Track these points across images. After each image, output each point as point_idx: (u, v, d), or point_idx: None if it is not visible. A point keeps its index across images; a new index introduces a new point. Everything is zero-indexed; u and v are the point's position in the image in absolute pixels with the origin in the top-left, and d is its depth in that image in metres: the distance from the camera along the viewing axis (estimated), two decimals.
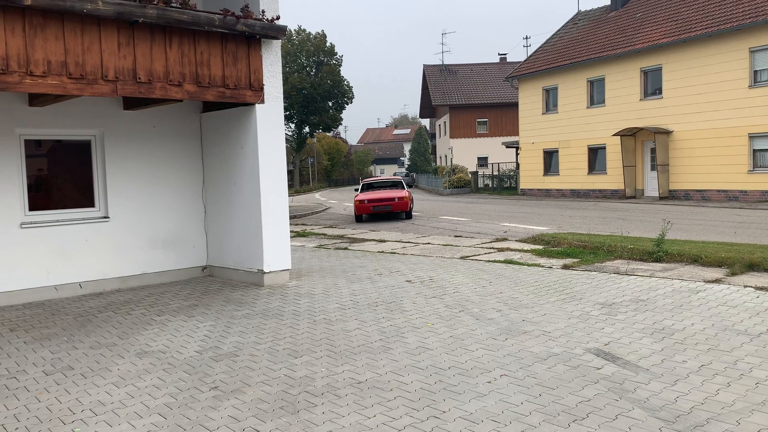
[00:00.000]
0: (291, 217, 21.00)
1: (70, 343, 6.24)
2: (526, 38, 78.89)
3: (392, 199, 21.41)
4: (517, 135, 35.77)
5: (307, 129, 58.66)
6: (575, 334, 5.87)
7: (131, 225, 9.30)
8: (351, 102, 57.42)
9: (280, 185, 8.96)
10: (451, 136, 53.05)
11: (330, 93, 55.55)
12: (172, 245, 9.71)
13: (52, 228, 8.64)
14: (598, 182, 29.47)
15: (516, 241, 13.19)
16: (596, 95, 29.68)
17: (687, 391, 4.35)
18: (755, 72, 22.69)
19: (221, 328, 6.64)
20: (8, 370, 5.47)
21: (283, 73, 9.38)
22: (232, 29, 7.98)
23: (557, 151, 31.81)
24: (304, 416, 4.20)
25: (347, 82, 56.29)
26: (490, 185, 41.51)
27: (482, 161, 51.19)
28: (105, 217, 9.13)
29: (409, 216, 21.86)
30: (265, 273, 8.87)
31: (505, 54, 60.06)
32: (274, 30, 8.45)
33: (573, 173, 30.80)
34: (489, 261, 10.48)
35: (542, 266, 9.76)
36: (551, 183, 32.23)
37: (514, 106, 39.07)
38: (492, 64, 58.46)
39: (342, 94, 56.15)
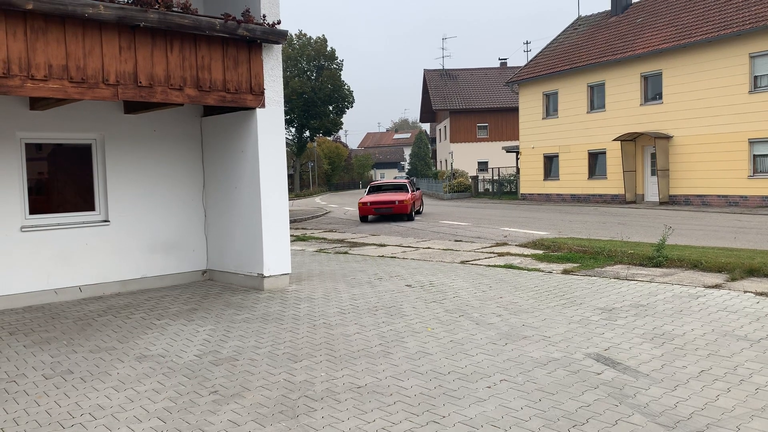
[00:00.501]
0: (291, 221, 21.02)
1: (69, 347, 6.23)
2: (527, 43, 79.29)
3: (393, 201, 22.52)
4: (518, 140, 35.81)
5: (307, 133, 58.71)
6: (575, 339, 5.86)
7: (131, 229, 9.30)
8: (351, 106, 57.50)
9: (280, 189, 8.97)
10: (452, 141, 53.10)
11: (330, 97, 55.62)
12: (172, 249, 9.71)
13: (52, 231, 8.64)
14: (598, 187, 29.49)
15: (516, 245, 13.19)
16: (596, 100, 29.72)
17: (687, 397, 4.35)
18: (755, 77, 22.73)
19: (221, 332, 6.64)
20: (8, 373, 5.46)
21: (283, 77, 9.39)
22: (233, 34, 8.00)
23: (557, 156, 31.83)
24: (303, 421, 4.19)
25: (348, 86, 56.37)
26: (491, 190, 41.52)
27: (482, 166, 51.22)
28: (105, 221, 9.14)
29: (410, 218, 22.70)
30: (265, 277, 8.87)
31: (505, 59, 60.23)
32: (274, 34, 8.47)
33: (573, 178, 30.82)
34: (489, 266, 10.48)
35: (542, 271, 9.76)
36: (551, 188, 32.24)
37: (515, 110, 39.13)
38: (492, 68, 58.57)
39: (342, 99, 56.22)
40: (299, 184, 62.82)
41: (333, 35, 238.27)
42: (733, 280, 8.43)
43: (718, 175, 23.88)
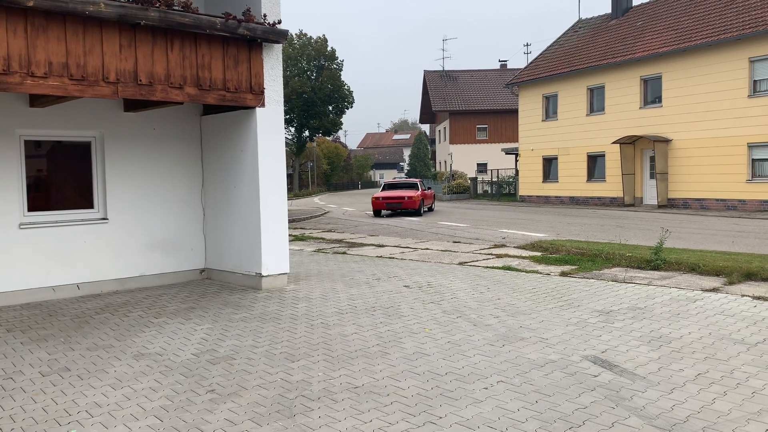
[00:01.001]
0: (290, 221, 21.02)
1: (67, 345, 6.23)
2: (527, 45, 79.14)
3: (403, 198, 25.09)
4: (517, 142, 35.83)
5: (306, 133, 58.71)
6: (572, 341, 5.87)
7: (130, 227, 9.30)
8: (351, 106, 57.49)
9: (279, 189, 8.97)
10: (451, 142, 53.13)
11: (330, 97, 55.62)
12: (171, 248, 9.71)
13: (50, 229, 8.64)
14: (597, 190, 29.52)
15: (514, 247, 13.20)
16: (596, 103, 29.75)
17: (683, 400, 4.36)
18: (754, 82, 22.76)
19: (218, 331, 6.64)
20: (4, 370, 5.46)
21: (283, 77, 9.39)
22: (234, 33, 8.00)
23: (556, 158, 31.85)
24: (300, 420, 4.20)
25: (348, 86, 56.38)
26: (489, 191, 41.54)
27: (481, 167, 51.25)
28: (104, 219, 9.13)
29: (419, 214, 25.21)
30: (263, 276, 8.87)
31: (505, 61, 60.23)
32: (275, 34, 8.48)
33: (572, 180, 30.84)
34: (487, 267, 10.49)
35: (540, 273, 9.77)
36: (550, 190, 32.26)
37: (514, 112, 39.14)
38: (492, 70, 58.59)
39: (342, 99, 56.22)
40: (298, 184, 62.81)
41: (333, 35, 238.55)
42: (731, 283, 8.44)
43: (717, 179, 23.92)
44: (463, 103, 53.75)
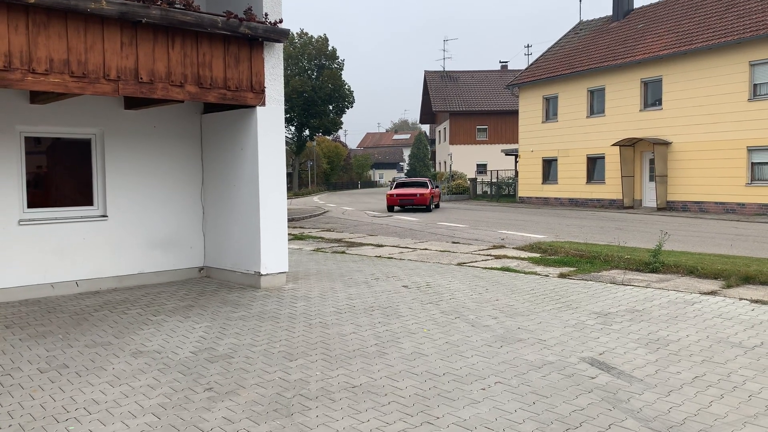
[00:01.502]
0: (289, 220, 21.01)
1: (65, 342, 6.23)
2: (528, 46, 79.28)
3: (415, 194, 27.97)
4: (517, 143, 35.85)
5: (307, 132, 58.71)
6: (570, 342, 5.88)
7: (129, 224, 9.30)
8: (351, 106, 57.52)
9: (279, 188, 8.97)
10: (451, 143, 53.13)
11: (331, 97, 55.63)
12: (170, 245, 9.71)
13: (50, 225, 8.64)
14: (596, 192, 29.53)
15: (513, 248, 13.21)
16: (596, 105, 29.77)
17: (680, 402, 4.37)
18: (755, 85, 22.78)
19: (217, 329, 6.64)
20: (2, 367, 5.47)
21: (284, 76, 9.39)
22: (235, 31, 8.01)
23: (556, 160, 31.87)
24: (298, 419, 4.20)
25: (348, 86, 56.38)
26: (489, 192, 41.54)
27: (481, 168, 51.26)
28: (103, 216, 9.14)
29: (429, 209, 28.04)
30: (262, 275, 8.88)
31: (506, 62, 60.26)
32: (276, 33, 8.48)
33: (571, 182, 30.86)
34: (486, 268, 10.50)
35: (539, 274, 9.78)
36: (550, 191, 32.27)
37: (514, 113, 39.18)
38: (493, 71, 58.62)
39: (343, 98, 56.23)
40: (298, 183, 62.80)
41: (334, 35, 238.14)
42: (729, 287, 8.46)
43: (716, 182, 23.93)
44: (464, 103, 53.77)
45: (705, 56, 24.36)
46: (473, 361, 5.37)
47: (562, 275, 9.67)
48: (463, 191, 41.39)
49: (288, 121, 54.94)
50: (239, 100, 8.39)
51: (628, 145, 26.92)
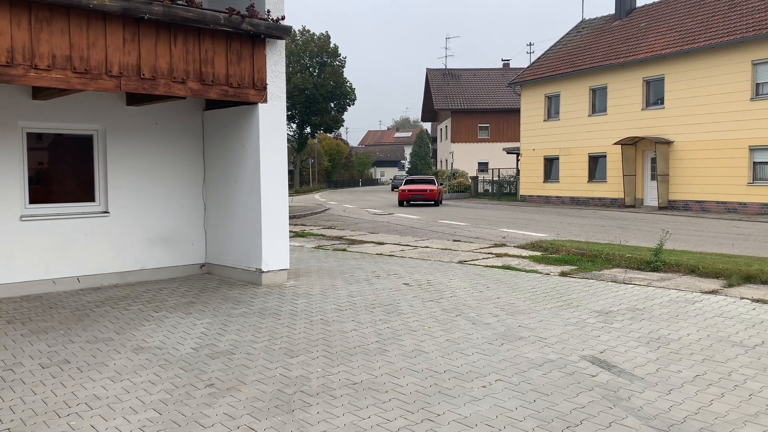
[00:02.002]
0: (290, 218, 21.02)
1: (66, 337, 6.24)
2: (530, 45, 79.39)
3: (425, 190, 31.11)
4: (518, 141, 35.83)
5: (308, 129, 58.70)
6: (571, 341, 5.88)
7: (131, 221, 9.31)
8: (353, 103, 57.48)
9: (280, 185, 8.98)
10: (453, 141, 53.11)
11: (332, 94, 55.60)
12: (171, 242, 9.72)
13: (51, 221, 8.65)
14: (597, 190, 29.52)
15: (514, 246, 13.21)
16: (598, 103, 29.74)
17: (681, 401, 4.37)
18: (757, 85, 22.76)
19: (218, 325, 6.65)
20: (4, 362, 5.48)
21: (286, 73, 9.39)
22: (237, 28, 8.00)
23: (558, 159, 31.86)
24: (299, 416, 4.21)
25: (350, 83, 56.36)
26: (490, 191, 41.53)
27: (483, 166, 51.24)
28: (105, 212, 9.14)
29: (437, 204, 31.21)
30: (263, 272, 8.88)
31: (508, 60, 60.24)
32: (278, 30, 8.48)
33: (573, 181, 30.84)
34: (487, 266, 10.50)
35: (540, 273, 9.78)
36: (551, 190, 32.26)
37: (516, 112, 39.16)
38: (495, 69, 58.57)
39: (344, 96, 56.20)
40: (299, 181, 62.80)
41: (336, 32, 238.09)
42: (730, 286, 8.46)
43: (718, 182, 23.92)
44: (465, 101, 53.73)
45: (707, 55, 24.33)
46: (474, 358, 5.38)
47: (563, 273, 9.67)
48: (465, 189, 41.38)
49: (289, 119, 54.93)
50: (241, 97, 8.39)
51: (630, 143, 26.90)
